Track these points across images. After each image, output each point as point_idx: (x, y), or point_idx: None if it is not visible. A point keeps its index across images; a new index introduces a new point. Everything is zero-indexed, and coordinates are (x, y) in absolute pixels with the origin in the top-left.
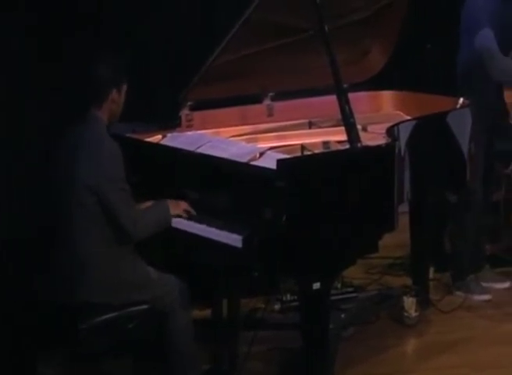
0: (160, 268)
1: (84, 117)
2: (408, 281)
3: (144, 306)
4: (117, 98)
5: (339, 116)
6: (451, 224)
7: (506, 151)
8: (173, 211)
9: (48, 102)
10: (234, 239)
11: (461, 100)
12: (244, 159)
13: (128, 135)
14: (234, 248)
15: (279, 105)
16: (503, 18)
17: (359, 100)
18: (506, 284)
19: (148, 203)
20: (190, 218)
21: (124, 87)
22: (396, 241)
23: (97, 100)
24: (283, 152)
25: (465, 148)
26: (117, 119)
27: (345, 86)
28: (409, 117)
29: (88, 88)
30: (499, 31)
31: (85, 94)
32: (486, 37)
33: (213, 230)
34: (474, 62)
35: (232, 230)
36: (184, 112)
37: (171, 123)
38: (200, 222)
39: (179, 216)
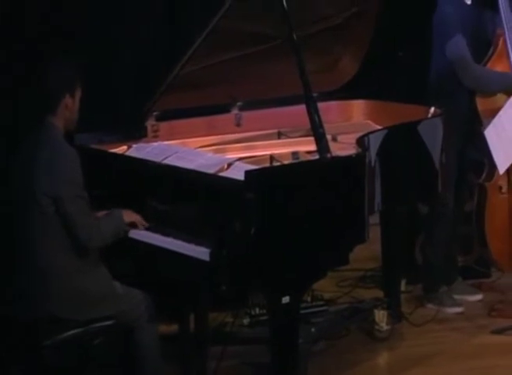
0: (126, 282)
1: (40, 124)
2: (379, 294)
3: (110, 321)
4: (71, 104)
5: (309, 126)
6: (423, 235)
7: (479, 161)
8: (127, 218)
9: (3, 109)
10: (202, 252)
11: (432, 109)
12: (212, 170)
13: (92, 146)
14: (202, 261)
15: (247, 114)
16: (473, 25)
17: (329, 109)
18: (479, 296)
19: (103, 212)
20: (156, 231)
21: (78, 93)
22: (367, 252)
23: (51, 106)
24: (252, 163)
25: (437, 158)
26: (74, 126)
27: (315, 95)
28: (380, 127)
29: (41, 95)
30: (470, 38)
31: (39, 100)
32: (458, 45)
33: (180, 243)
34: (446, 69)
35: (199, 243)
36: (150, 123)
37: (136, 133)
38: (166, 235)
39: (135, 226)
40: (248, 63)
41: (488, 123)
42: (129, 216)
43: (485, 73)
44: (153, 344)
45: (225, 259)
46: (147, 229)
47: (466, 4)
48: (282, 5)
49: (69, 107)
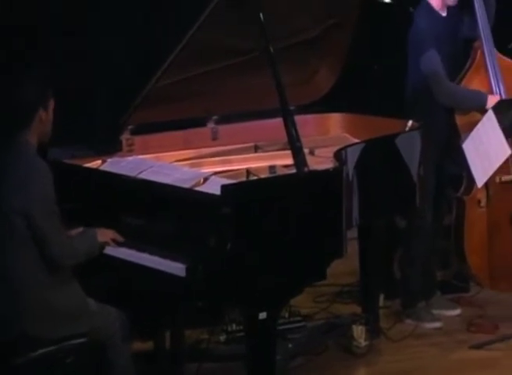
0: (100, 299)
1: (12, 141)
2: (357, 309)
3: (83, 339)
4: (45, 117)
5: (286, 140)
6: (401, 250)
7: (457, 174)
8: (101, 238)
9: None
10: (177, 268)
11: (410, 122)
12: (188, 185)
13: (66, 161)
14: (177, 277)
15: (223, 128)
16: (450, 37)
17: (306, 123)
18: (457, 311)
19: (77, 230)
20: (131, 246)
21: (51, 104)
22: (345, 267)
23: (25, 123)
24: (228, 177)
25: (415, 171)
26: (48, 137)
27: (291, 108)
28: (357, 140)
29: (13, 113)
30: (447, 50)
31: (11, 118)
32: (431, 59)
33: (155, 258)
34: (422, 84)
35: (175, 259)
36: (125, 137)
37: (111, 147)
38: (141, 250)
39: (107, 244)
40: (224, 76)
41: (467, 136)
42: (103, 234)
43: (459, 91)
44: (127, 362)
45: (201, 275)
46: (122, 245)
47: (441, 16)
48: (259, 17)
49: (43, 120)
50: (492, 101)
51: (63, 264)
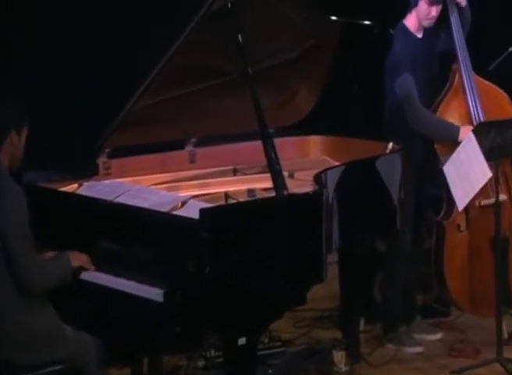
0: (76, 325)
1: None
2: (338, 334)
3: (60, 366)
4: (17, 141)
5: (265, 163)
6: (381, 274)
7: (437, 198)
8: (74, 263)
9: None
10: (155, 293)
11: (391, 145)
12: (165, 209)
13: (41, 184)
14: (155, 302)
15: (202, 151)
16: (427, 58)
17: (285, 145)
18: (438, 335)
19: (50, 254)
20: (108, 271)
21: (25, 131)
22: (325, 292)
23: None
24: (207, 201)
25: (395, 194)
26: (18, 164)
27: (271, 131)
28: (337, 163)
29: None
30: (424, 72)
31: None
32: (406, 83)
33: (132, 283)
34: (397, 107)
35: (152, 284)
36: (101, 160)
37: (87, 171)
38: (118, 275)
39: (83, 268)
40: (203, 98)
41: (447, 159)
42: (76, 258)
43: (433, 121)
44: None
45: (179, 300)
46: (99, 270)
47: (417, 38)
48: (237, 38)
49: (15, 144)
50: (464, 133)
51: (34, 288)
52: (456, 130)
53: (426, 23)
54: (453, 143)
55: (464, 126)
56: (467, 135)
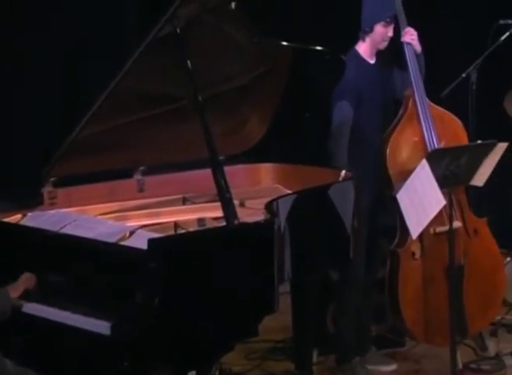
0: (18, 361)
1: None
2: (291, 366)
3: None
4: None
5: (215, 191)
6: (334, 304)
7: (391, 226)
8: (13, 294)
9: None
10: (102, 326)
11: (343, 172)
12: (113, 239)
13: None
14: (102, 336)
15: (150, 179)
16: (380, 84)
17: (236, 173)
18: (393, 366)
19: None
20: (53, 304)
21: None
22: (277, 323)
23: None
24: (155, 231)
25: (348, 223)
26: None
27: (221, 158)
28: (289, 191)
29: None
30: (373, 102)
31: None
32: (342, 111)
33: (78, 317)
34: None
35: (99, 317)
36: (47, 189)
37: (32, 200)
38: (64, 308)
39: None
40: (151, 126)
41: (400, 187)
42: (15, 290)
43: (338, 155)
44: None
45: (127, 333)
46: (43, 302)
47: (369, 64)
48: (187, 64)
49: None
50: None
51: None
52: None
53: (382, 46)
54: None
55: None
56: (421, 164)
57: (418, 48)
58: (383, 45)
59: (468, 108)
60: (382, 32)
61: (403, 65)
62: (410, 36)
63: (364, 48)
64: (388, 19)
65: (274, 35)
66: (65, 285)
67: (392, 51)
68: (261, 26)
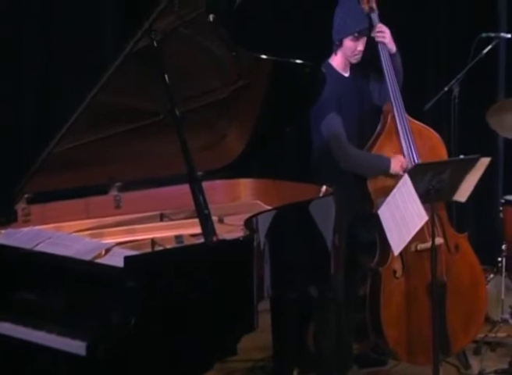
0: None
1: None
2: None
3: None
4: None
5: (193, 207)
6: (315, 322)
7: (371, 243)
8: None
9: None
10: (77, 346)
11: (324, 187)
12: (89, 257)
13: None
14: (77, 356)
15: (127, 195)
16: (356, 97)
17: (214, 189)
18: None
19: None
20: (26, 324)
21: None
22: (257, 342)
23: None
24: (132, 248)
25: (329, 239)
26: None
27: (199, 174)
28: (269, 207)
29: None
30: (350, 115)
31: None
32: (333, 123)
33: (53, 337)
34: (325, 148)
35: (74, 337)
36: (20, 206)
37: (4, 218)
38: (38, 328)
39: None
40: (128, 141)
41: (381, 203)
42: None
43: (361, 156)
44: None
45: (102, 353)
46: (17, 322)
47: (344, 77)
48: (164, 78)
49: None
50: (395, 163)
51: None
52: (387, 161)
53: (354, 60)
54: (386, 175)
55: (395, 157)
56: (402, 179)
57: (392, 46)
58: (355, 59)
59: (451, 123)
60: (350, 46)
61: (380, 77)
62: (382, 34)
63: (337, 62)
64: (356, 34)
65: (254, 48)
66: (39, 304)
67: (368, 63)
68: (240, 39)
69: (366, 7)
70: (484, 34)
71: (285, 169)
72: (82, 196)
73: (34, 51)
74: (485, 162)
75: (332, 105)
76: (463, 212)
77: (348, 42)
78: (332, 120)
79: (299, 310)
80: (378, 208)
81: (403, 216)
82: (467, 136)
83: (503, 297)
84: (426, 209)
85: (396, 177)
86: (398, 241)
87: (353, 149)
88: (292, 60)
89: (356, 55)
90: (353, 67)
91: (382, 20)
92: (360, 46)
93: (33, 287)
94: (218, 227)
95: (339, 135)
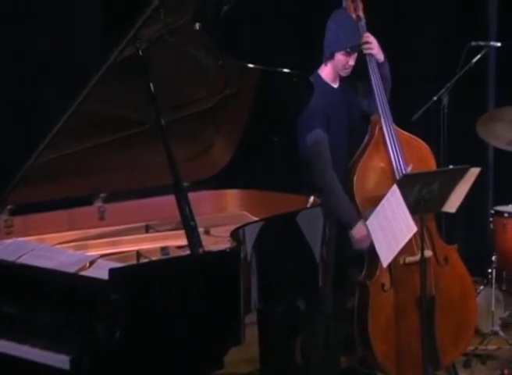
0: None
1: None
2: None
3: None
4: None
5: (179, 219)
6: (302, 334)
7: (359, 256)
8: None
9: None
10: (61, 360)
11: (312, 198)
12: (72, 269)
13: None
14: (61, 370)
15: (111, 207)
16: (345, 108)
17: (201, 200)
18: None
19: None
20: (9, 338)
21: None
22: (244, 355)
23: None
24: (117, 260)
25: (317, 251)
26: None
27: (185, 184)
28: (256, 218)
29: None
30: (339, 126)
31: None
32: (319, 139)
33: (36, 351)
34: (307, 159)
35: (58, 350)
36: (3, 217)
37: None
38: (22, 342)
39: None
40: (112, 151)
41: (370, 213)
42: None
43: (337, 197)
44: None
45: (86, 367)
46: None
47: (333, 88)
48: (149, 87)
49: None
50: (357, 231)
51: None
52: (354, 221)
53: (344, 73)
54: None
55: (360, 226)
56: (391, 189)
57: (380, 56)
58: (344, 73)
59: (440, 132)
60: (341, 60)
61: (369, 87)
62: (369, 45)
63: (327, 73)
64: (349, 50)
65: (241, 57)
66: (22, 317)
67: (356, 74)
68: (226, 47)
69: (353, 15)
70: (474, 43)
71: (272, 179)
72: (66, 207)
73: (16, 58)
74: (474, 172)
75: (319, 117)
76: (452, 223)
77: (339, 56)
78: (319, 135)
79: (286, 323)
80: (366, 218)
81: (391, 226)
82: (456, 146)
83: (493, 309)
84: (415, 220)
85: (385, 188)
86: (387, 252)
87: (330, 175)
88: (279, 69)
89: (346, 69)
90: (342, 78)
91: (369, 29)
92: (352, 61)
93: (16, 299)
94: (204, 239)
95: (321, 152)
